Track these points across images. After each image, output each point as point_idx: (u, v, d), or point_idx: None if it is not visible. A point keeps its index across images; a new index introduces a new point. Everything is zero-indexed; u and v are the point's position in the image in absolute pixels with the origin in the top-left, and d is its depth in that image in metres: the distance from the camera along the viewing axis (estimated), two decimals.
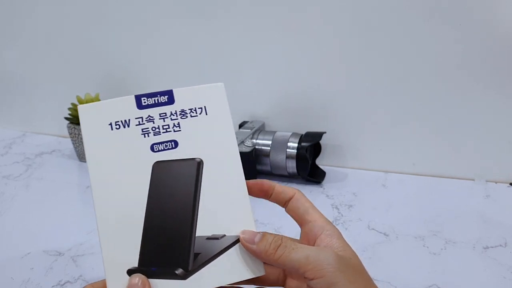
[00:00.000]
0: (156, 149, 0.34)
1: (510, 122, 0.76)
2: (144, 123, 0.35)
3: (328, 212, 0.68)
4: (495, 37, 0.72)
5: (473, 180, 0.78)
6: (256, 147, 0.78)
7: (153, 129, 0.35)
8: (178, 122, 0.35)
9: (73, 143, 0.86)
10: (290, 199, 0.37)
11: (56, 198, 0.73)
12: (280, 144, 0.77)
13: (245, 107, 0.87)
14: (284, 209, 0.37)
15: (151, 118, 0.35)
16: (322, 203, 0.72)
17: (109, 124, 0.34)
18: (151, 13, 0.87)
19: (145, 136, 0.35)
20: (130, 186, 0.34)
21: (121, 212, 0.33)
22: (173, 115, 0.35)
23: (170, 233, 0.33)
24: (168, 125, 0.35)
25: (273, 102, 0.86)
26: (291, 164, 0.76)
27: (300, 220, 0.36)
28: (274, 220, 0.63)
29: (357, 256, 0.34)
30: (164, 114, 0.35)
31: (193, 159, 0.34)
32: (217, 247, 0.33)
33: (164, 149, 0.34)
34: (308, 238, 0.35)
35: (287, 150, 0.76)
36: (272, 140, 0.78)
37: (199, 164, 0.34)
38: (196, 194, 0.34)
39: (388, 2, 0.75)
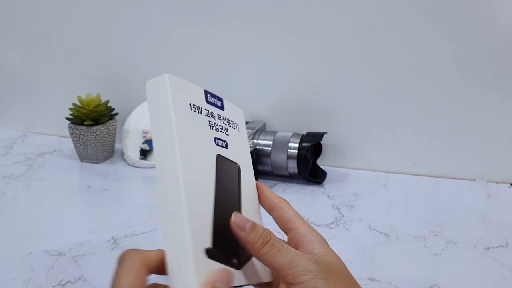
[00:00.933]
0: (217, 143, 0.36)
1: (511, 123, 0.76)
2: (209, 117, 0.36)
3: (329, 213, 0.68)
4: (495, 38, 0.72)
5: (474, 180, 0.78)
6: (257, 147, 0.78)
7: (215, 125, 0.36)
8: (227, 128, 0.38)
9: (74, 143, 0.86)
10: (275, 206, 0.38)
11: (57, 198, 0.73)
12: (281, 145, 0.77)
13: (246, 107, 0.86)
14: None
15: (213, 115, 0.37)
16: (323, 203, 0.72)
17: (189, 104, 0.34)
18: (152, 14, 0.87)
19: (211, 128, 0.36)
20: (204, 168, 0.34)
21: (198, 191, 0.32)
22: (225, 120, 0.38)
23: (226, 222, 0.33)
24: (222, 127, 0.37)
25: (274, 103, 0.86)
26: (292, 164, 0.76)
27: (284, 228, 0.37)
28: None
29: (340, 260, 0.34)
30: (220, 116, 0.37)
31: (236, 163, 0.37)
32: None
33: (221, 146, 0.36)
34: (292, 245, 0.35)
35: (288, 150, 0.76)
36: (273, 141, 0.78)
37: (239, 170, 0.37)
38: (240, 194, 0.36)
39: (390, 3, 0.75)
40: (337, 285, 0.32)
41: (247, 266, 0.34)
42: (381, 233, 0.63)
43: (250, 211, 0.36)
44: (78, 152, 0.87)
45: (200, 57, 0.88)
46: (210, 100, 0.36)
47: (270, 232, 0.33)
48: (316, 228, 0.40)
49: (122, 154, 0.89)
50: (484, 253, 0.57)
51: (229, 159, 0.36)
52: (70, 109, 0.85)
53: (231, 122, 0.38)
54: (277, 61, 0.84)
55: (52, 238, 0.61)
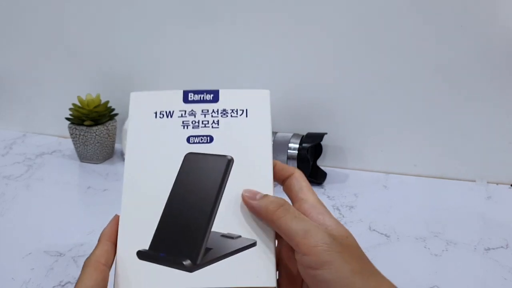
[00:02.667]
0: (191, 141, 0.36)
1: (511, 124, 0.76)
2: (186, 116, 0.37)
3: None
4: (496, 38, 0.72)
5: (474, 181, 0.78)
6: None
7: (193, 122, 0.37)
8: (218, 120, 0.37)
9: (73, 144, 0.86)
10: (289, 176, 0.36)
11: (56, 199, 0.73)
12: (281, 145, 0.77)
13: None
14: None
15: (193, 112, 0.37)
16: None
17: (154, 113, 0.37)
18: (152, 14, 0.87)
19: (184, 128, 0.36)
20: (160, 172, 0.35)
21: (146, 195, 0.34)
22: (214, 113, 0.37)
23: (186, 223, 0.34)
24: (208, 121, 0.37)
25: (274, 103, 0.86)
26: (292, 165, 0.76)
27: (293, 197, 0.36)
28: None
29: (351, 235, 0.33)
30: (206, 111, 0.37)
31: (225, 156, 0.35)
32: (230, 247, 0.32)
33: (199, 142, 0.36)
34: None
35: (288, 151, 0.76)
36: (273, 141, 0.78)
37: (229, 162, 0.35)
38: (220, 190, 0.34)
39: (390, 5, 0.75)
40: (352, 260, 0.30)
41: (216, 267, 0.32)
42: (381, 234, 0.62)
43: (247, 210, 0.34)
44: (78, 152, 0.87)
45: (200, 57, 0.87)
46: (192, 99, 0.37)
47: (285, 200, 0.33)
48: None
49: (122, 154, 0.89)
50: (484, 254, 0.57)
51: (208, 154, 0.36)
52: (70, 109, 0.85)
53: (227, 112, 0.37)
54: (277, 62, 0.84)
55: (51, 239, 0.61)
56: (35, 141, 0.98)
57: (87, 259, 0.32)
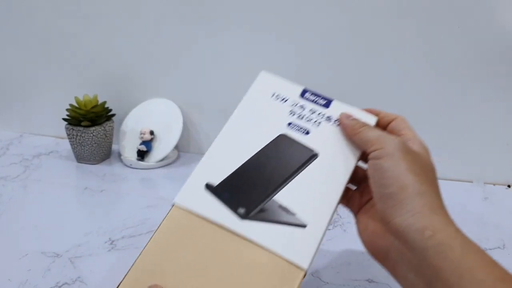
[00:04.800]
0: (291, 126, 0.41)
1: (508, 124, 0.76)
2: (296, 107, 0.42)
3: None
4: (493, 39, 0.72)
5: (471, 182, 0.79)
6: None
7: (299, 114, 0.41)
8: (320, 122, 0.41)
9: (70, 144, 0.86)
10: (392, 121, 0.42)
11: (53, 200, 0.73)
12: None
13: None
14: None
15: (303, 107, 0.42)
16: None
17: (272, 93, 0.43)
18: (149, 15, 0.87)
19: (290, 114, 0.41)
20: (255, 136, 0.40)
21: (235, 145, 0.39)
22: (320, 115, 0.41)
23: (256, 181, 0.38)
24: (312, 118, 0.41)
25: None
26: None
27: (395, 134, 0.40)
28: None
29: (429, 159, 0.38)
30: (314, 111, 0.42)
31: (312, 149, 0.39)
32: (283, 217, 0.36)
33: (297, 130, 0.41)
34: None
35: None
36: None
37: (313, 155, 0.39)
38: (296, 171, 0.38)
39: (388, 4, 0.75)
40: (413, 164, 0.35)
41: (264, 227, 0.35)
42: None
43: (313, 199, 0.37)
44: (75, 153, 0.87)
45: (198, 59, 0.87)
46: (307, 97, 0.42)
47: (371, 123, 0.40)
48: None
49: (119, 155, 0.89)
50: None
51: (299, 142, 0.40)
52: (67, 109, 0.85)
53: (331, 119, 0.41)
54: (276, 63, 0.84)
55: (48, 240, 0.60)
56: (32, 142, 0.98)
57: None
